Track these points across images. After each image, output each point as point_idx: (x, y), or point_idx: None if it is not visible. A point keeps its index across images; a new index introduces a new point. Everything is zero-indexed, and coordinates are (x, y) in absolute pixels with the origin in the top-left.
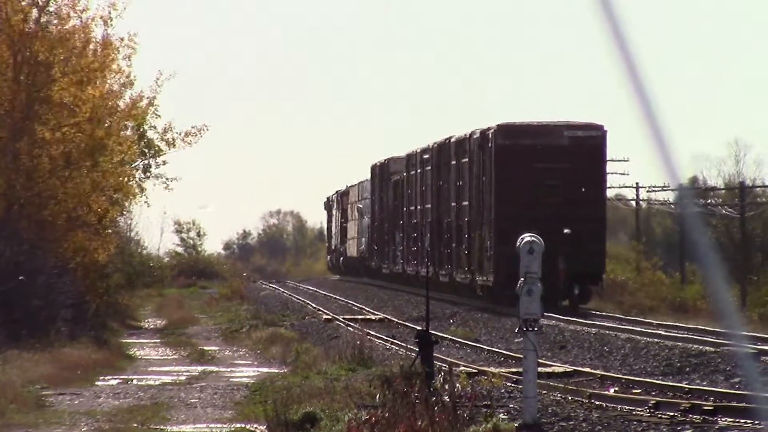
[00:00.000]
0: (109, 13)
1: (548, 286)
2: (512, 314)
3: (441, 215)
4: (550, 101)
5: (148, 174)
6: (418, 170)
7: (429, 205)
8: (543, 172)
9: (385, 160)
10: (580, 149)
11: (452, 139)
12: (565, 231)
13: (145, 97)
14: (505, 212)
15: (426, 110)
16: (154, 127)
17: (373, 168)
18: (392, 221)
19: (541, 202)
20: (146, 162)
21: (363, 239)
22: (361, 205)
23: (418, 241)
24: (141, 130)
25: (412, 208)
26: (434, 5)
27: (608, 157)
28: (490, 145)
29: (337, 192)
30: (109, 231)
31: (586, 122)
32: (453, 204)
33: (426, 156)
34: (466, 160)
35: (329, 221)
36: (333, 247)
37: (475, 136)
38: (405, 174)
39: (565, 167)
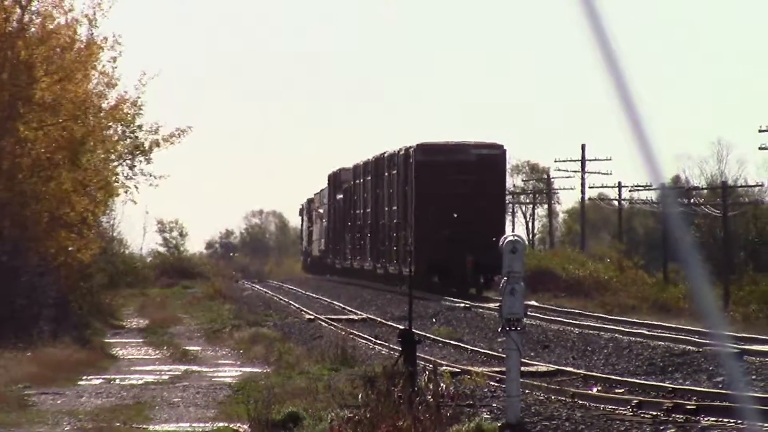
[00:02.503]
0: (94, 12)
1: (459, 276)
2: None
3: (378, 218)
4: (528, 108)
5: (133, 172)
6: (362, 179)
7: (369, 210)
8: (454, 183)
9: (338, 170)
10: (484, 164)
11: (386, 154)
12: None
13: (129, 99)
14: (423, 216)
15: (420, 111)
16: (140, 127)
17: (329, 177)
18: (343, 223)
19: (452, 207)
20: (131, 161)
21: (322, 240)
22: (321, 210)
23: (362, 240)
24: (128, 131)
25: (358, 211)
26: (413, 23)
27: (587, 158)
28: (411, 160)
29: (307, 199)
30: (92, 230)
31: (489, 142)
32: (386, 208)
33: (367, 167)
34: (395, 172)
35: (302, 225)
36: (304, 248)
37: (401, 153)
38: (352, 182)
39: (472, 179)
